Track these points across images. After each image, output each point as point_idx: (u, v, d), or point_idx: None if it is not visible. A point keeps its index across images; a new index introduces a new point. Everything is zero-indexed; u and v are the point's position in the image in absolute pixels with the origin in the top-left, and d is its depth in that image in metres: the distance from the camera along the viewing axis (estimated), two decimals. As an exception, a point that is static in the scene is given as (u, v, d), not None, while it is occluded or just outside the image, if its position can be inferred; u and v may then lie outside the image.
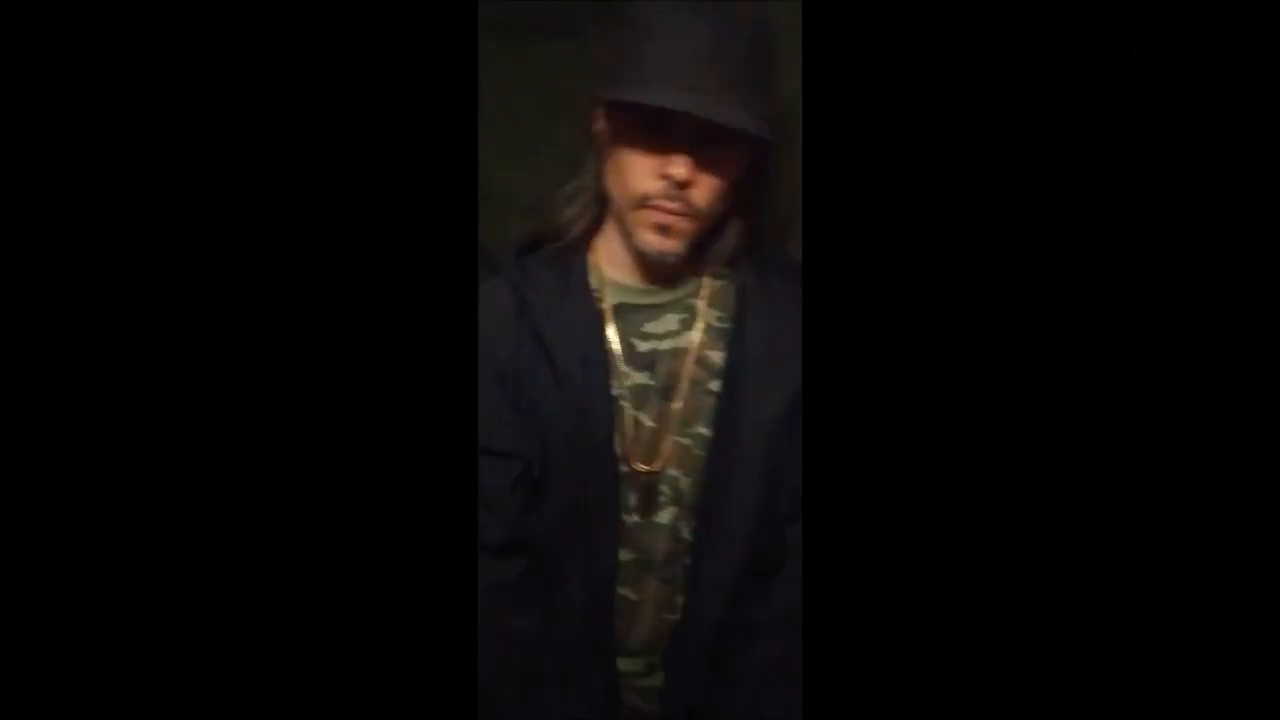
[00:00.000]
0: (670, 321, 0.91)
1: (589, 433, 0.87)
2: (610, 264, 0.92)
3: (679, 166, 0.82)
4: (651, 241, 0.85)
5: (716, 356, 0.90)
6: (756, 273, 0.92)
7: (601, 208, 0.90)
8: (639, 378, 0.89)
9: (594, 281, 0.92)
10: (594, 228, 0.92)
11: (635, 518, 0.88)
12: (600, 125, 0.87)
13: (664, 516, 0.88)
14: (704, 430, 0.89)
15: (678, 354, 0.90)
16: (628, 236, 0.88)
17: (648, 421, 0.88)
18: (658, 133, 0.82)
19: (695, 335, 0.91)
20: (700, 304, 0.91)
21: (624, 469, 0.88)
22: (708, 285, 0.92)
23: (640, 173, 0.84)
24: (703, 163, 0.83)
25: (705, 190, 0.84)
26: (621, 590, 0.88)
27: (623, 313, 0.91)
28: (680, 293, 0.92)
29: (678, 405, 0.89)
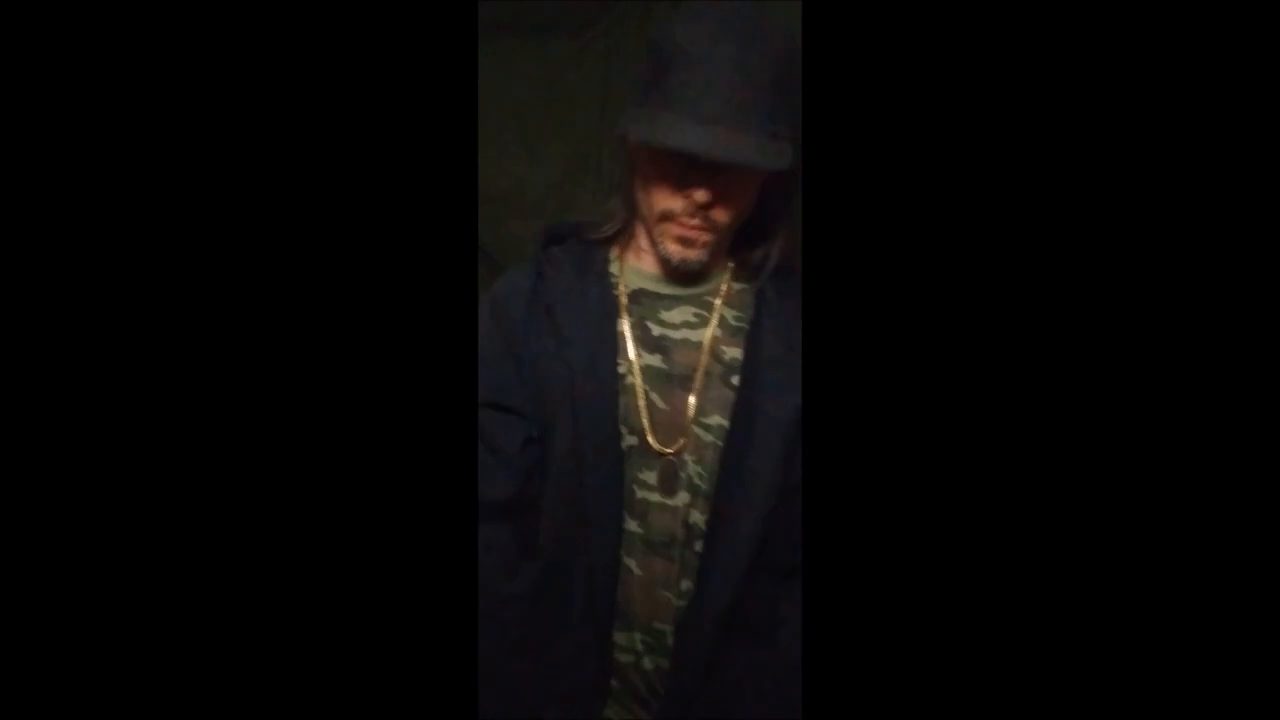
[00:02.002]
0: (686, 313, 0.94)
1: (593, 405, 0.90)
2: (635, 257, 0.96)
3: (699, 192, 0.86)
4: (674, 251, 0.90)
5: (733, 352, 0.93)
6: (774, 283, 0.95)
7: (632, 213, 0.94)
8: (651, 359, 0.92)
9: (614, 270, 0.96)
10: (623, 229, 0.96)
11: (651, 494, 0.90)
12: (626, 145, 0.90)
13: (678, 499, 0.90)
14: (720, 421, 0.91)
15: (691, 345, 0.93)
16: (653, 243, 0.92)
17: (660, 404, 0.91)
18: (678, 158, 0.85)
19: (710, 330, 0.94)
20: (717, 302, 0.94)
21: (638, 443, 0.90)
22: (727, 286, 0.95)
23: (663, 192, 0.88)
24: (724, 185, 0.87)
25: (726, 209, 0.88)
26: (626, 561, 0.90)
27: (639, 298, 0.95)
28: (699, 290, 0.95)
29: (692, 396, 0.91)
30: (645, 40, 0.97)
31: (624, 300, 0.95)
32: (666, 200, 0.88)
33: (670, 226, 0.90)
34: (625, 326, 0.94)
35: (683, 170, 0.87)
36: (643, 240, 0.95)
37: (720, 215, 0.89)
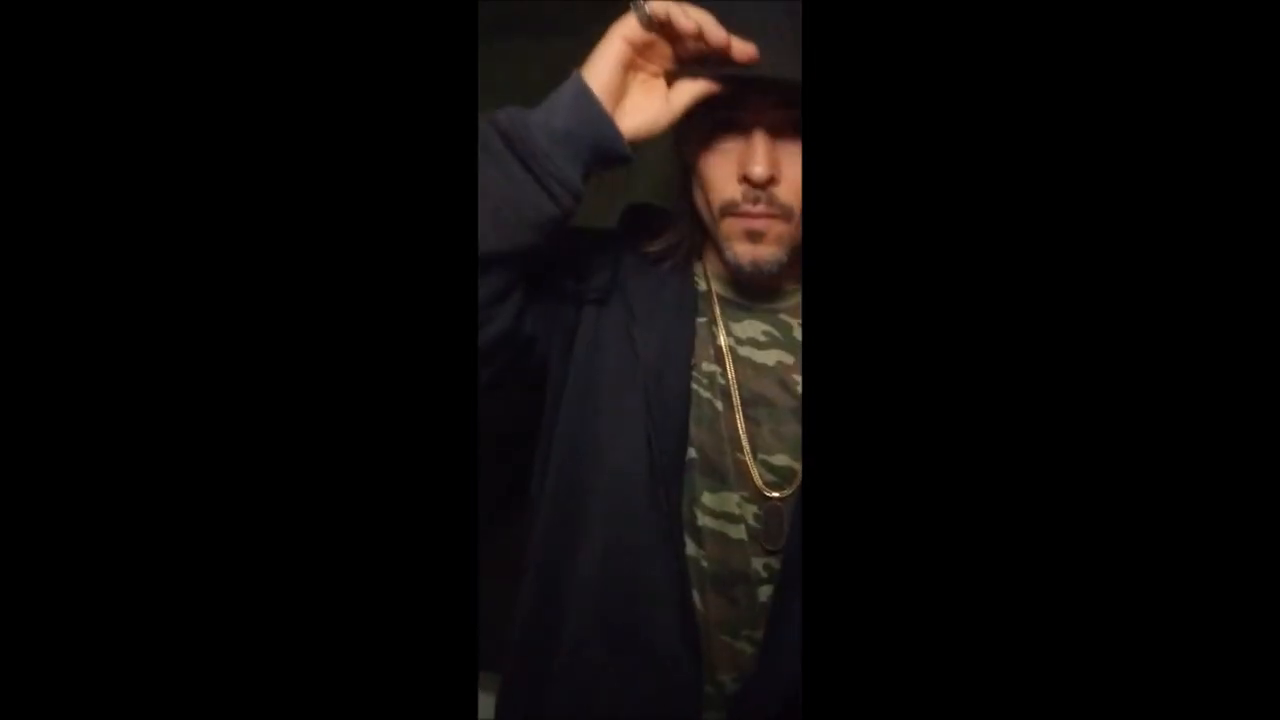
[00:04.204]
0: (754, 329, 0.85)
1: (664, 406, 0.81)
2: (710, 261, 0.87)
3: (758, 164, 0.76)
4: (743, 252, 0.80)
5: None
6: None
7: (698, 230, 0.85)
8: (712, 368, 0.84)
9: (695, 268, 0.87)
10: (696, 247, 0.87)
11: (710, 521, 0.82)
12: (680, 137, 0.83)
13: (737, 532, 0.82)
14: (790, 463, 0.82)
15: (753, 367, 0.84)
16: (720, 251, 0.83)
17: (721, 426, 0.83)
18: (732, 130, 0.78)
19: (779, 354, 0.84)
20: (795, 323, 0.85)
21: (698, 459, 0.82)
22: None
23: (720, 179, 0.79)
24: (785, 155, 0.78)
25: (793, 186, 0.78)
26: (692, 593, 0.81)
27: (713, 299, 0.86)
28: (773, 305, 0.85)
29: (749, 425, 0.83)
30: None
31: (702, 296, 0.85)
32: (724, 188, 0.79)
33: (734, 222, 0.79)
34: (699, 325, 0.84)
35: (737, 143, 0.78)
36: (715, 257, 0.85)
37: (787, 195, 0.78)
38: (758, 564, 0.81)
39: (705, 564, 0.81)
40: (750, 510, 0.82)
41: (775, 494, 0.81)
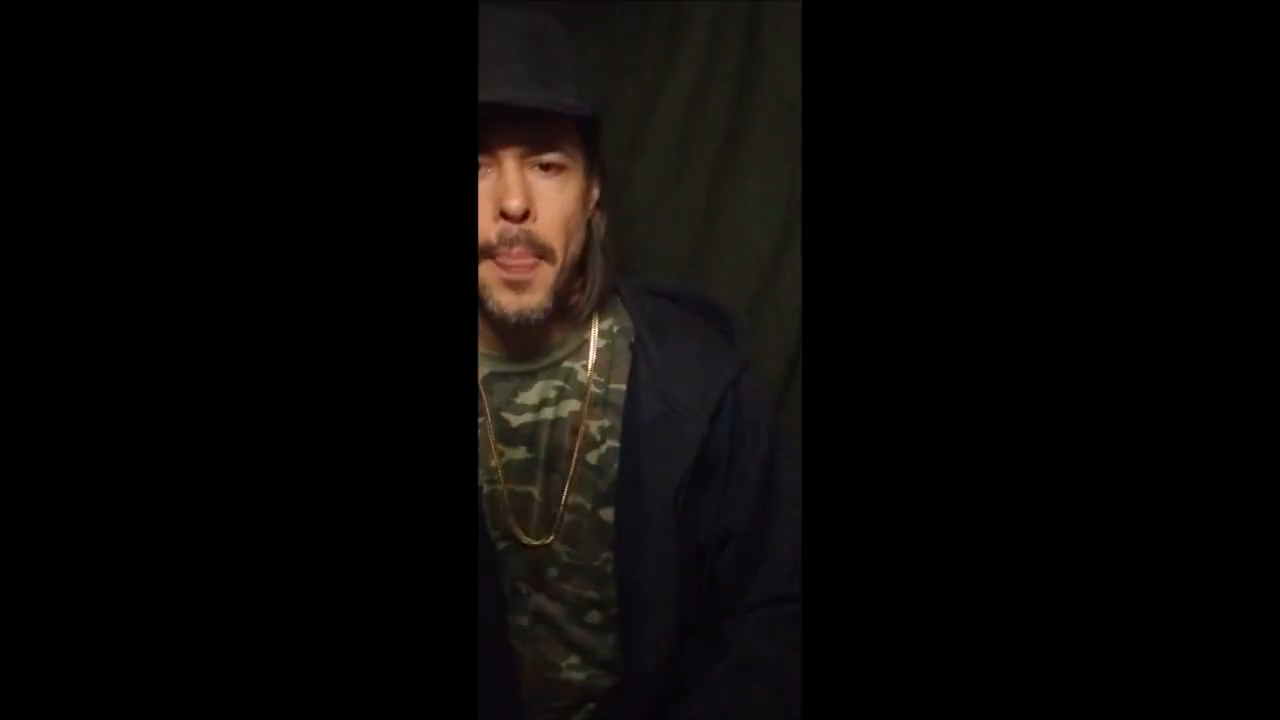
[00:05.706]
0: (546, 389, 0.86)
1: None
2: (486, 354, 0.86)
3: (512, 197, 0.76)
4: (506, 302, 0.79)
5: (595, 427, 0.86)
6: (651, 332, 0.87)
7: None
8: (516, 454, 0.86)
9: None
10: None
11: (525, 589, 0.87)
12: None
13: (562, 587, 0.86)
14: (587, 504, 0.86)
15: (560, 424, 0.86)
16: (484, 306, 0.81)
17: (536, 495, 0.86)
18: (484, 169, 0.78)
19: (574, 404, 0.86)
20: (578, 367, 0.87)
21: (507, 545, 0.86)
22: (586, 347, 0.87)
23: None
24: (540, 191, 0.78)
25: (550, 222, 0.79)
26: (518, 648, 0.86)
27: (491, 385, 0.85)
28: (554, 358, 0.86)
29: (557, 479, 0.86)
30: (644, 39, 0.95)
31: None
32: (481, 229, 0.77)
33: (494, 270, 0.78)
34: (484, 421, 0.85)
35: (490, 177, 0.77)
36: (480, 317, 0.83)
37: (545, 232, 0.78)
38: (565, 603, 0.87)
39: (525, 624, 0.87)
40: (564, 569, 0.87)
41: (532, 541, 0.85)
